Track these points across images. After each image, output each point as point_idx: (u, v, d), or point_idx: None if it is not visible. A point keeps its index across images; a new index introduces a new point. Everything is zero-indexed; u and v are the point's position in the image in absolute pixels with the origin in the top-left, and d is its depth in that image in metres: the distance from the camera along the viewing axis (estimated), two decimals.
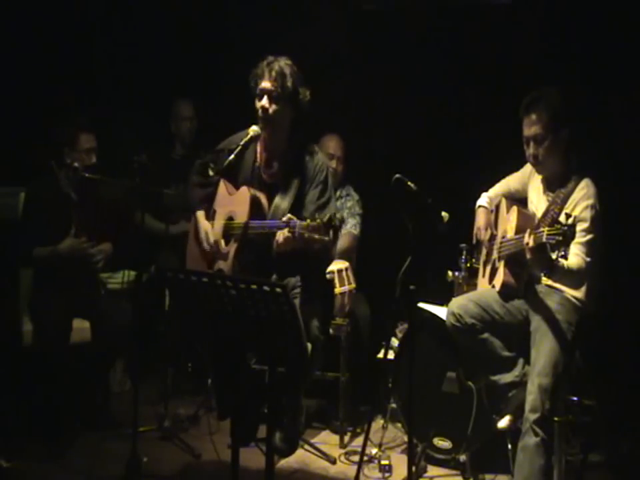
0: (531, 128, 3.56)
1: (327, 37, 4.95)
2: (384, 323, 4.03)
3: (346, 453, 4.24)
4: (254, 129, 3.65)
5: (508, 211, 3.84)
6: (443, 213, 3.40)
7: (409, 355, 3.56)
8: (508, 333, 3.68)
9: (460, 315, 3.67)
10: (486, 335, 3.65)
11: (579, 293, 3.57)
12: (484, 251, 4.03)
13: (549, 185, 3.70)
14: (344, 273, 4.34)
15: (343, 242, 4.67)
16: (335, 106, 4.88)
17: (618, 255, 3.90)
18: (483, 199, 4.04)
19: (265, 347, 3.08)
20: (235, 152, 3.59)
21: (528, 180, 3.84)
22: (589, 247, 3.48)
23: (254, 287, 2.81)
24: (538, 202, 3.73)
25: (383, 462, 3.99)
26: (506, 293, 3.68)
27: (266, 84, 3.57)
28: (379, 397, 4.33)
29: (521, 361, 3.65)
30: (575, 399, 3.62)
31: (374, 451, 4.09)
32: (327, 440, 4.41)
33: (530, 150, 3.60)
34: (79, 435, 4.20)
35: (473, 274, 4.11)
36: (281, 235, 3.37)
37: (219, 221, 3.74)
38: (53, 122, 4.41)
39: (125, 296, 4.42)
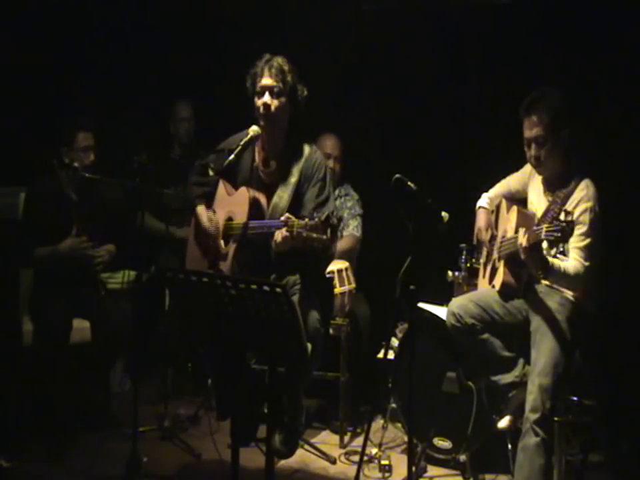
0: (532, 130, 3.56)
1: (327, 37, 4.95)
2: (384, 322, 4.03)
3: (346, 453, 4.24)
4: (254, 129, 3.65)
5: (508, 211, 3.84)
6: (443, 213, 3.40)
7: (409, 355, 3.55)
8: (508, 333, 3.68)
9: (460, 315, 3.67)
10: (486, 335, 3.65)
11: (579, 293, 3.57)
12: (484, 252, 4.03)
13: (549, 186, 3.70)
14: (344, 272, 4.34)
15: (344, 243, 4.68)
16: (334, 106, 4.88)
17: (618, 255, 3.90)
18: (483, 200, 4.04)
19: (265, 346, 3.08)
20: (235, 152, 3.59)
21: (528, 180, 3.84)
22: (588, 250, 3.48)
23: (254, 286, 2.81)
24: (538, 202, 3.73)
25: (383, 462, 3.99)
26: (506, 292, 3.68)
27: (267, 80, 3.57)
28: (378, 397, 4.33)
29: (521, 361, 3.65)
30: (575, 398, 3.62)
31: (374, 450, 4.09)
32: (326, 440, 4.41)
33: (531, 151, 3.60)
34: (79, 435, 4.20)
35: (473, 274, 4.11)
36: (280, 234, 3.37)
37: (219, 222, 3.73)
38: (52, 122, 4.41)
39: (125, 296, 4.42)
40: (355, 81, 5.08)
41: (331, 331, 4.20)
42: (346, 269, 4.37)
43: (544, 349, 3.47)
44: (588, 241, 3.49)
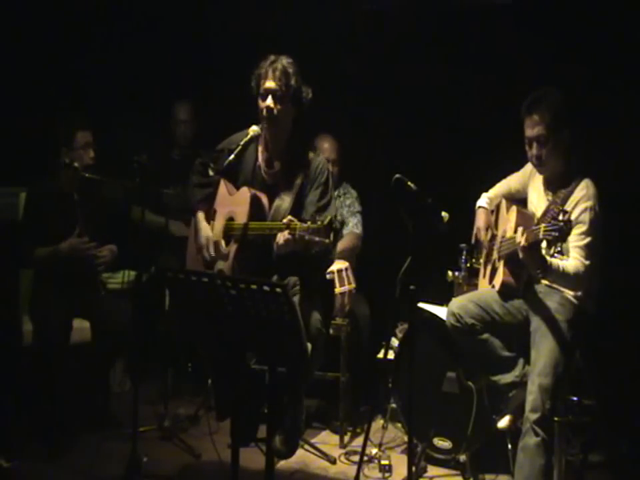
0: (533, 129, 3.55)
1: (327, 37, 4.95)
2: (384, 322, 4.03)
3: (346, 453, 4.24)
4: (254, 129, 3.64)
5: (508, 211, 3.84)
6: (443, 213, 3.40)
7: (409, 355, 3.55)
8: (508, 333, 3.68)
9: (460, 315, 3.67)
10: (486, 335, 3.65)
11: (579, 293, 3.57)
12: (484, 252, 4.03)
13: (550, 185, 3.70)
14: (344, 272, 4.34)
15: (346, 241, 4.68)
16: (334, 106, 4.88)
17: (618, 255, 3.90)
18: (483, 200, 4.04)
19: (265, 346, 3.08)
20: (235, 152, 3.58)
21: (528, 180, 3.84)
22: (588, 249, 3.48)
23: (254, 287, 2.81)
24: (538, 202, 3.73)
25: (383, 462, 3.99)
26: (505, 292, 3.68)
27: (270, 84, 3.55)
28: (378, 397, 4.33)
29: (521, 361, 3.65)
30: (575, 398, 3.62)
31: (374, 450, 4.09)
32: (326, 440, 4.41)
33: (533, 151, 3.60)
34: (79, 435, 4.20)
35: (473, 274, 4.12)
36: (281, 237, 3.36)
37: (219, 222, 3.73)
38: (53, 122, 4.41)
39: (125, 296, 4.42)
40: (355, 80, 5.08)
41: (331, 331, 4.19)
42: (346, 269, 4.37)
43: (544, 349, 3.47)
44: (588, 239, 3.49)
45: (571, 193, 3.56)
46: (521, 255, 3.39)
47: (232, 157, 3.57)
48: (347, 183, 4.87)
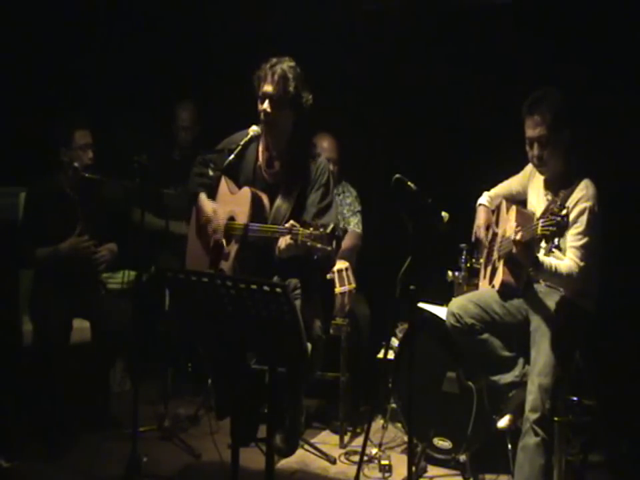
0: (535, 129, 3.55)
1: (327, 37, 4.95)
2: (384, 322, 4.03)
3: (346, 453, 4.24)
4: (254, 129, 3.64)
5: (508, 211, 3.84)
6: (443, 213, 3.40)
7: (409, 355, 3.55)
8: (508, 333, 3.68)
9: (460, 315, 3.66)
10: (486, 335, 3.65)
11: (570, 293, 3.56)
12: (485, 252, 4.03)
13: (550, 186, 3.69)
14: (344, 272, 4.34)
15: (346, 241, 4.64)
16: (334, 106, 4.88)
17: (618, 255, 3.90)
18: (484, 198, 4.04)
19: (265, 346, 3.08)
20: (235, 152, 3.58)
21: (528, 181, 3.84)
22: (584, 250, 3.47)
23: (254, 287, 2.81)
24: (538, 203, 3.73)
25: (383, 462, 3.99)
26: (505, 292, 3.68)
27: (268, 88, 3.54)
28: (379, 397, 4.33)
29: (520, 361, 3.64)
30: (575, 399, 3.62)
31: (374, 451, 4.09)
32: (326, 440, 4.41)
33: (533, 151, 3.59)
34: (79, 435, 4.20)
35: (473, 274, 4.12)
36: (283, 242, 3.37)
37: (221, 220, 3.73)
38: (53, 122, 4.41)
39: (125, 296, 4.42)
40: (355, 80, 5.08)
41: (331, 330, 4.19)
42: (346, 269, 4.37)
43: (544, 348, 3.47)
44: (585, 240, 3.48)
45: (571, 193, 3.55)
46: (514, 250, 3.38)
47: (232, 156, 3.57)
48: (345, 181, 4.87)
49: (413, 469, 3.47)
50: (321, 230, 3.19)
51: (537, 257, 3.40)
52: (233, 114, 4.06)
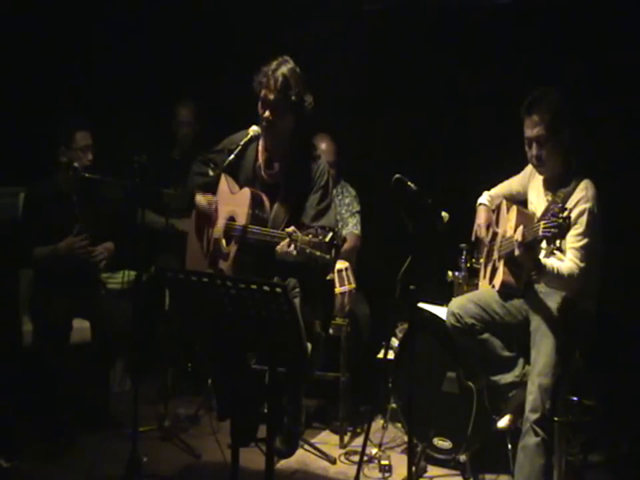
0: (533, 129, 3.55)
1: (327, 37, 4.95)
2: (384, 322, 4.03)
3: (346, 453, 4.24)
4: (254, 129, 3.64)
5: (508, 211, 3.84)
6: (443, 213, 3.40)
7: (409, 355, 3.55)
8: (508, 333, 3.68)
9: (460, 315, 3.66)
10: (486, 335, 3.65)
11: (571, 294, 3.56)
12: (485, 252, 4.03)
13: (550, 186, 3.69)
14: (344, 272, 4.34)
15: (345, 243, 4.67)
16: (334, 106, 4.88)
17: (618, 255, 3.90)
18: (484, 197, 4.04)
19: (265, 346, 3.08)
20: (235, 152, 3.58)
21: (528, 181, 3.84)
22: (584, 251, 3.47)
23: (254, 287, 2.81)
24: (538, 203, 3.73)
25: (383, 462, 3.99)
26: (505, 292, 3.68)
27: (269, 95, 3.52)
28: (378, 397, 4.33)
29: (521, 361, 3.64)
30: (575, 398, 3.62)
31: (374, 450, 4.09)
32: (326, 440, 4.41)
33: (532, 151, 3.59)
34: (79, 435, 4.19)
35: (473, 274, 4.11)
36: (283, 247, 3.36)
37: (220, 220, 3.73)
38: (53, 122, 4.41)
39: (125, 296, 4.42)
40: (355, 80, 5.07)
41: (330, 330, 4.19)
42: (346, 269, 4.36)
43: (544, 349, 3.47)
44: (585, 241, 3.48)
45: (571, 193, 3.55)
46: (516, 252, 3.38)
47: (232, 157, 3.57)
48: (344, 181, 4.87)
49: (413, 469, 3.47)
50: (320, 238, 3.18)
51: (539, 260, 3.40)
52: (233, 114, 4.06)
